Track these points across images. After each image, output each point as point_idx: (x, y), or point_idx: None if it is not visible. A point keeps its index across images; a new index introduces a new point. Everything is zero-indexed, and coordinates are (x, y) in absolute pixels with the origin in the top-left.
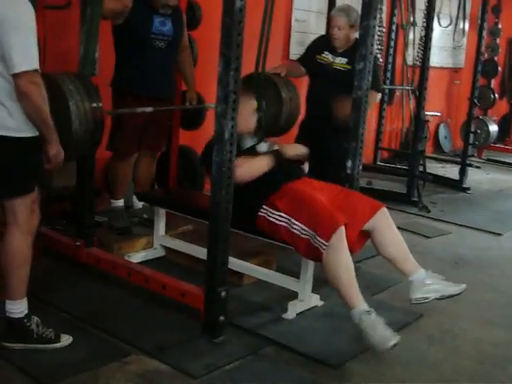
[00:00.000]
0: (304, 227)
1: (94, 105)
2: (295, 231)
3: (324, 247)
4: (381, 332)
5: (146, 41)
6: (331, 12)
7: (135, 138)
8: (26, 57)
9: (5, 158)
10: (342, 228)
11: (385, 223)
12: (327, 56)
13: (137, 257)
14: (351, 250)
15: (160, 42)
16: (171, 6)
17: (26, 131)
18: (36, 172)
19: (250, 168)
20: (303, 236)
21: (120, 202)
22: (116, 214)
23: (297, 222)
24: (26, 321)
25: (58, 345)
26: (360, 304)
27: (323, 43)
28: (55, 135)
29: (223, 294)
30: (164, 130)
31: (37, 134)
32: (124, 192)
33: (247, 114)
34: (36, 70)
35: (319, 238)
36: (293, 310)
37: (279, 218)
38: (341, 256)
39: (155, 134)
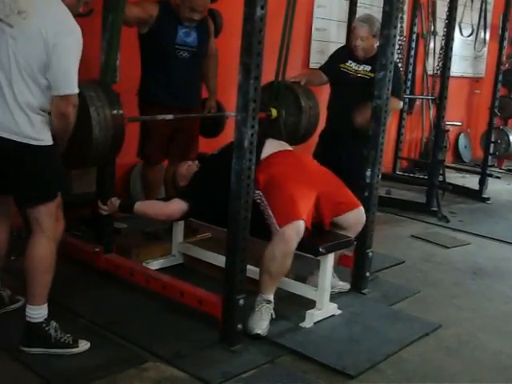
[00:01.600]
0: (268, 209)
1: (115, 112)
2: (265, 210)
3: (275, 231)
4: (260, 320)
5: (169, 51)
6: (353, 22)
7: (162, 146)
8: (71, 81)
9: (27, 165)
10: (300, 222)
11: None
12: (351, 65)
13: (155, 264)
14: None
15: (184, 52)
16: (196, 20)
17: (46, 140)
18: (58, 178)
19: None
20: (266, 216)
21: None
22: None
23: (265, 202)
24: (44, 325)
25: (75, 350)
26: (270, 294)
27: (347, 52)
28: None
29: (241, 301)
30: (192, 139)
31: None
32: (156, 197)
33: None
34: (76, 94)
35: (275, 222)
36: (310, 318)
37: (258, 197)
38: (285, 247)
39: (183, 144)
